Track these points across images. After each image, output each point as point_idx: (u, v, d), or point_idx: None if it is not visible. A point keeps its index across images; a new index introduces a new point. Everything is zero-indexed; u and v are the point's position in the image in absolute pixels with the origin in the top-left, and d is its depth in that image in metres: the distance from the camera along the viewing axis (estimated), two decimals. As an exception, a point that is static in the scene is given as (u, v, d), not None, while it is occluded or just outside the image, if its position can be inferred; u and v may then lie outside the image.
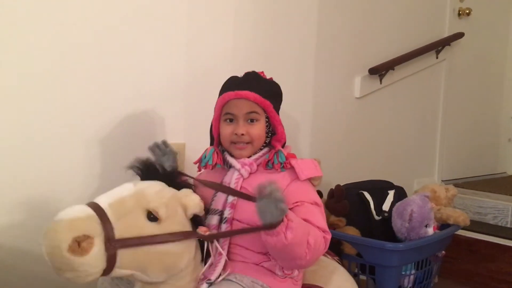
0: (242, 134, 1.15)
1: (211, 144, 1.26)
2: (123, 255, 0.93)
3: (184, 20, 1.60)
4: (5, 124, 1.25)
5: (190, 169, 1.59)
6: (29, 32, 1.28)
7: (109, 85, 1.43)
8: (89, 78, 1.39)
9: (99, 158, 1.43)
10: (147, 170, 1.08)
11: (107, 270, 0.93)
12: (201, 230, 1.07)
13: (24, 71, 1.27)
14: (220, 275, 1.08)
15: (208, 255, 1.10)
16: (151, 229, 0.98)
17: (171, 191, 1.06)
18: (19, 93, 1.27)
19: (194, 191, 1.12)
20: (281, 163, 1.14)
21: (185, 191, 1.08)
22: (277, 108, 1.20)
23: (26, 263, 1.28)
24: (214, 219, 1.14)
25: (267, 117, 1.19)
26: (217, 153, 1.21)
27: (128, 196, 0.99)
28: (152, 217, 0.99)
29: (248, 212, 1.12)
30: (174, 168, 1.16)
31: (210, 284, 1.06)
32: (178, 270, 1.03)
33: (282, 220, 0.95)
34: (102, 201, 0.97)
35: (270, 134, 1.21)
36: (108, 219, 0.93)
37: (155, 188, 1.04)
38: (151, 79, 1.53)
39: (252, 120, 1.16)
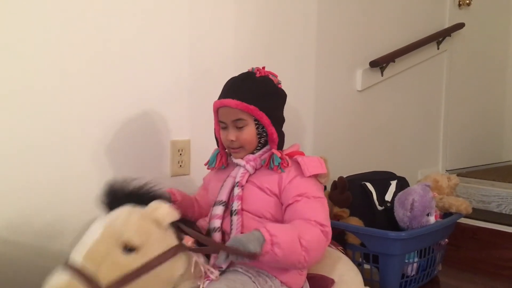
0: (232, 141, 1.20)
1: (218, 145, 1.31)
2: None
3: (185, 19, 1.63)
4: (15, 128, 1.29)
5: (196, 165, 1.65)
6: (33, 33, 1.30)
7: (116, 86, 1.47)
8: (96, 80, 1.43)
9: (107, 156, 1.47)
10: (114, 197, 1.05)
11: None
12: (186, 241, 1.05)
13: (29, 73, 1.30)
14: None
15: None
16: (132, 261, 0.96)
17: (138, 212, 1.02)
18: (24, 95, 1.30)
19: (173, 198, 1.22)
20: (277, 166, 1.18)
21: (152, 205, 1.03)
22: (268, 107, 1.19)
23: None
24: (218, 210, 1.20)
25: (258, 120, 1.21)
26: (221, 155, 1.28)
27: (99, 240, 0.97)
28: (128, 249, 0.97)
29: (256, 203, 1.19)
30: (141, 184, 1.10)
31: (223, 272, 1.11)
32: (177, 278, 1.04)
33: (264, 242, 0.99)
34: (76, 257, 0.95)
35: (265, 133, 1.23)
36: (87, 275, 0.92)
37: (121, 218, 1.00)
38: (156, 79, 1.57)
39: (239, 127, 1.20)
